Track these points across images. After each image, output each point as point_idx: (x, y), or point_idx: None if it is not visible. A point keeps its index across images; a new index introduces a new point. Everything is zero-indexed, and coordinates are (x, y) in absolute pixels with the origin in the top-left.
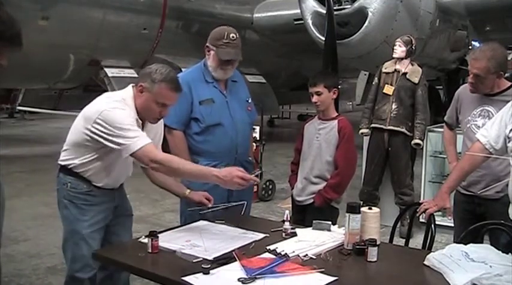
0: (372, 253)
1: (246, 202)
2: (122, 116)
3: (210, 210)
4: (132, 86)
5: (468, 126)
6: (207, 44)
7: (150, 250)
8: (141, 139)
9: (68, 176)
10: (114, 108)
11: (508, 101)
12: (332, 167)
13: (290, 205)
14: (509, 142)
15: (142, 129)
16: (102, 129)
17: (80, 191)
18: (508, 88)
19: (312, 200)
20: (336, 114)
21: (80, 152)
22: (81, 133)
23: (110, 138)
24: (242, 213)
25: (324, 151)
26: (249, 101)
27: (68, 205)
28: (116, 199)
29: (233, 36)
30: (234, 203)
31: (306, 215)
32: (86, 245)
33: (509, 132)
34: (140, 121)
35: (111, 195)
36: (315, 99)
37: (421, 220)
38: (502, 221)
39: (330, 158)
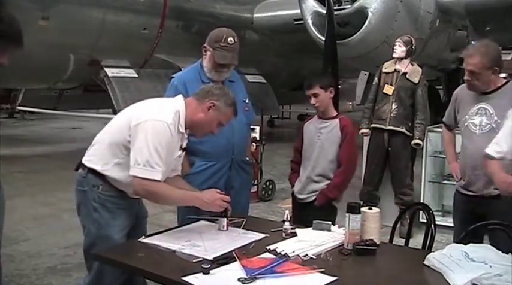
0: None
1: (245, 219)
2: (165, 137)
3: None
4: (184, 97)
5: (466, 124)
6: (205, 45)
7: (225, 228)
8: (155, 173)
9: (99, 178)
10: (167, 124)
11: (505, 98)
12: (335, 166)
13: (290, 205)
14: None
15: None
16: (139, 136)
17: (112, 194)
18: (504, 84)
19: (312, 198)
20: (336, 113)
21: (108, 154)
22: (121, 132)
23: (136, 149)
24: (241, 227)
25: (327, 150)
26: (246, 101)
27: (99, 208)
28: (138, 202)
29: (231, 40)
30: (235, 218)
31: (306, 213)
32: None
33: None
34: (185, 133)
35: (136, 199)
36: (313, 100)
37: (421, 219)
38: (502, 221)
39: (333, 157)
